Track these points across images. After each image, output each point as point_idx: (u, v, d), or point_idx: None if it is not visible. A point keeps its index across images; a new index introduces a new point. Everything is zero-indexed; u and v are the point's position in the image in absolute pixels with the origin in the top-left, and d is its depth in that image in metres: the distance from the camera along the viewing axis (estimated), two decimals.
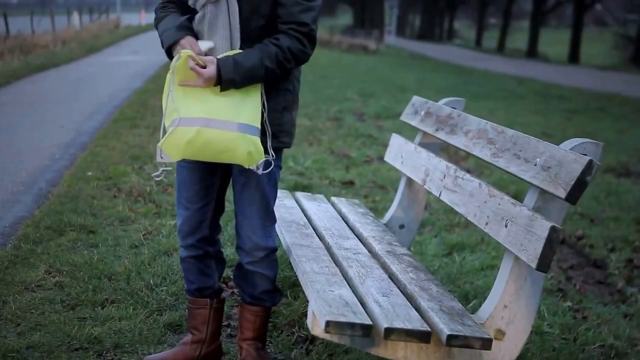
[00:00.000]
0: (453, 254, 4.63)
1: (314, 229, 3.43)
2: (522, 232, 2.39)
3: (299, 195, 4.10)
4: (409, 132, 4.28)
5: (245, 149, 2.63)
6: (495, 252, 4.63)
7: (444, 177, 3.12)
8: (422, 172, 3.38)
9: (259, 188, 2.81)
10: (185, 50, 2.62)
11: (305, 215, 3.67)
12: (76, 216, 4.81)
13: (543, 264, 2.29)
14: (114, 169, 6.18)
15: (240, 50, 2.66)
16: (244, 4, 2.67)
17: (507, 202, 2.56)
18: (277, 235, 3.20)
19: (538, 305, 2.52)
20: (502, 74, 21.97)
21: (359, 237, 3.39)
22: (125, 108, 9.88)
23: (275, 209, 2.92)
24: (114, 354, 3.07)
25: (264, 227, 2.87)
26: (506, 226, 2.50)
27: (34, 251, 4.18)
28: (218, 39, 2.68)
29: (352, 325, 2.29)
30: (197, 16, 2.71)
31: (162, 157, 2.67)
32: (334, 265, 2.88)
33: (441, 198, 3.09)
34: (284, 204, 3.78)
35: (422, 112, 3.65)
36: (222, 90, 2.64)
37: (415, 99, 3.87)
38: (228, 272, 3.76)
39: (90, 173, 6.06)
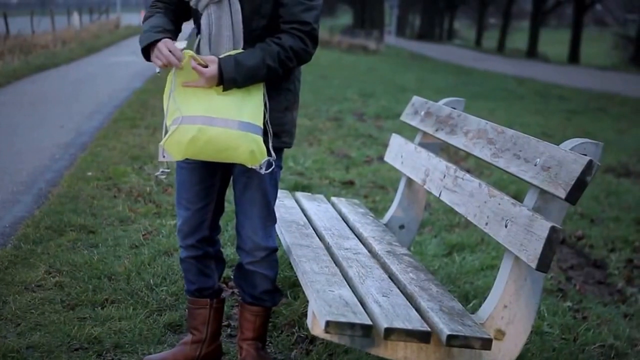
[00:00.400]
0: (453, 254, 4.63)
1: (314, 229, 3.43)
2: (522, 232, 2.39)
3: (299, 195, 4.10)
4: (409, 132, 4.28)
5: (247, 148, 2.63)
6: (495, 252, 4.63)
7: (444, 177, 3.12)
8: (422, 172, 3.38)
9: (261, 188, 2.82)
10: (187, 50, 2.63)
11: (305, 215, 3.67)
12: (76, 216, 4.81)
13: (543, 264, 2.29)
14: (114, 169, 6.18)
15: (242, 50, 2.67)
16: (246, 4, 2.67)
17: (507, 202, 2.56)
18: (277, 235, 3.20)
19: (538, 306, 2.52)
20: (502, 74, 21.96)
21: (359, 237, 3.39)
22: (125, 108, 9.88)
23: (275, 209, 2.92)
24: (114, 354, 3.07)
25: (265, 228, 2.87)
26: (506, 226, 2.50)
27: (34, 251, 4.18)
28: (222, 39, 2.68)
29: (352, 326, 2.29)
30: (203, 18, 2.71)
31: (164, 156, 2.67)
32: (334, 265, 2.88)
33: (441, 198, 3.08)
34: (284, 204, 3.78)
35: (422, 112, 3.65)
36: (224, 89, 2.64)
37: (415, 99, 3.87)
38: (228, 272, 3.76)
39: (90, 173, 6.06)
